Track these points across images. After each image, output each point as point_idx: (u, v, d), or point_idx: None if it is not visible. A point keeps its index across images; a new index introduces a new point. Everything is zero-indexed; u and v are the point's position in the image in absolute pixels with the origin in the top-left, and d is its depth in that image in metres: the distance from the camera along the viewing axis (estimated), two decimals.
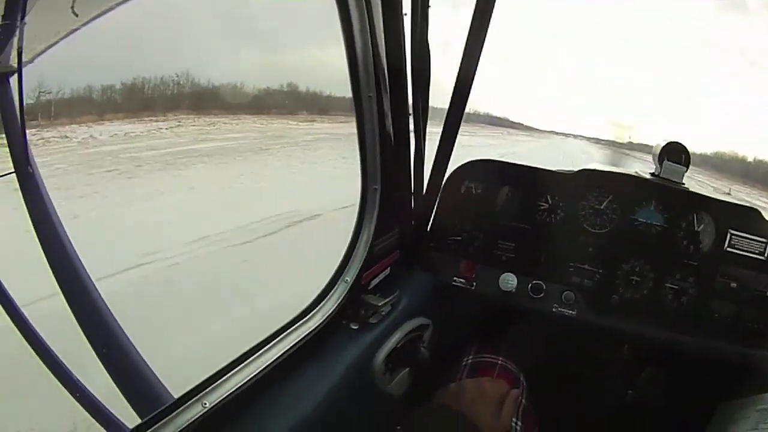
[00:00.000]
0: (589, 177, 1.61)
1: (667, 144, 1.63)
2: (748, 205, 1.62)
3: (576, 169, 1.64)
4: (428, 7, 1.19)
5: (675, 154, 1.62)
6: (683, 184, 1.63)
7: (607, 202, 1.58)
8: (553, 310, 1.54)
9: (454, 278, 1.57)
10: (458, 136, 1.36)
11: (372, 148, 1.16)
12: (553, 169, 1.65)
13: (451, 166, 1.51)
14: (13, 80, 1.49)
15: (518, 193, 1.59)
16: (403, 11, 1.18)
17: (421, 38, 1.20)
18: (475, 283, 1.56)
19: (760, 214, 1.57)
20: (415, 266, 1.53)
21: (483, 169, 1.61)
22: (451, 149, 1.38)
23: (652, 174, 1.67)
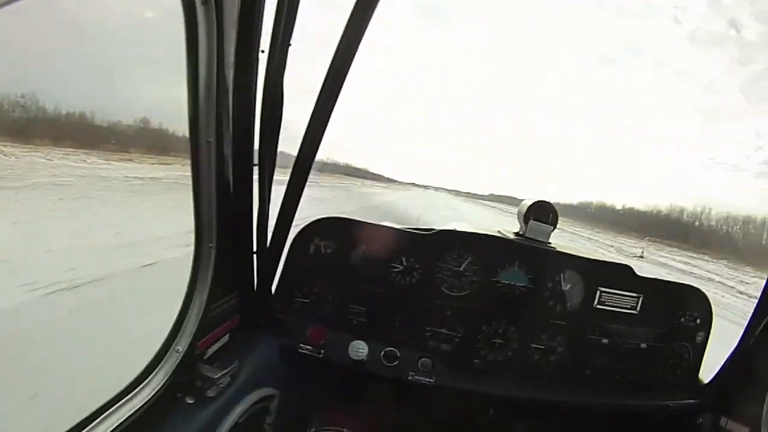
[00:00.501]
0: (447, 237, 1.56)
1: (534, 203, 1.61)
2: (617, 261, 1.66)
3: (435, 229, 1.58)
4: (289, 45, 1.06)
5: (542, 213, 1.61)
6: (550, 243, 1.62)
7: (466, 263, 1.55)
8: (409, 377, 1.45)
9: (301, 344, 1.43)
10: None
11: (208, 200, 1.01)
12: (410, 228, 1.58)
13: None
14: None
15: (371, 254, 1.50)
16: (260, 48, 1.05)
17: (276, 81, 1.08)
18: (323, 350, 1.43)
19: (630, 270, 1.61)
20: (259, 332, 1.37)
21: (335, 228, 1.50)
22: (297, 204, 1.26)
23: (517, 234, 1.64)
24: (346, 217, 1.53)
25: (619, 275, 1.59)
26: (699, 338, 1.66)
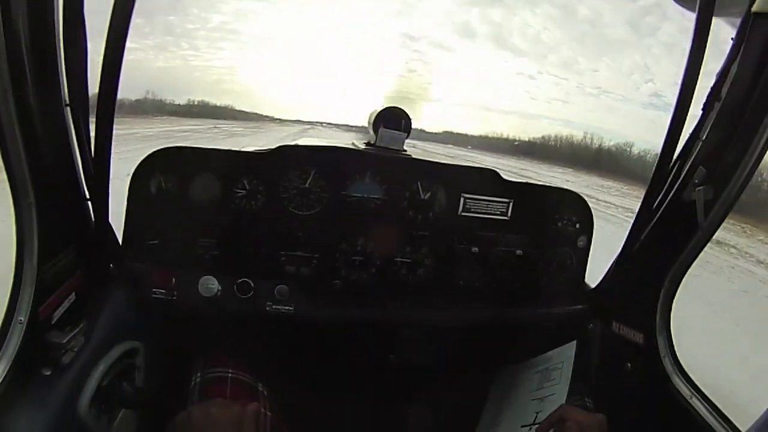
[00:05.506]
0: (288, 153, 1.46)
1: (384, 109, 1.52)
2: (481, 166, 1.59)
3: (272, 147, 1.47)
4: None
5: (393, 120, 1.52)
6: (404, 151, 1.55)
7: (311, 179, 1.45)
8: (267, 308, 1.38)
9: (154, 290, 1.33)
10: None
11: (16, 152, 0.89)
12: (249, 149, 1.48)
13: None
14: None
15: (211, 182, 1.39)
16: None
17: (74, 8, 0.96)
18: (176, 292, 1.34)
19: (496, 174, 1.54)
20: (109, 285, 1.26)
21: (172, 159, 1.36)
22: (110, 140, 1.04)
23: (368, 144, 1.57)
24: (182, 145, 1.39)
25: (485, 180, 1.53)
26: (581, 243, 1.62)
